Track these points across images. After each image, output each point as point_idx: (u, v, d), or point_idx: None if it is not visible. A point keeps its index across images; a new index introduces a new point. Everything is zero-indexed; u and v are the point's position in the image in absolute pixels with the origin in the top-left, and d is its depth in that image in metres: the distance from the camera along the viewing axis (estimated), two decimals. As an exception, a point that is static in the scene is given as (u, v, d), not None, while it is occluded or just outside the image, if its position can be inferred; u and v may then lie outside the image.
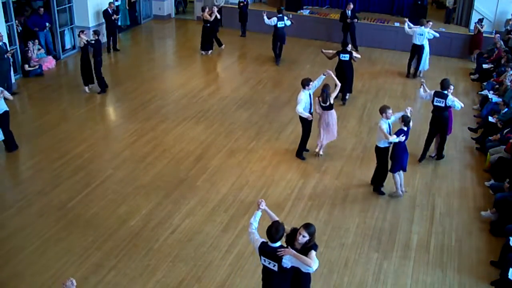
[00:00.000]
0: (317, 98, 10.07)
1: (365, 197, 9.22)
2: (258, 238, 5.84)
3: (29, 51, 14.12)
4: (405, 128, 8.81)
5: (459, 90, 14.36)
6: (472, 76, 15.23)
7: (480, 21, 16.16)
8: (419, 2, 17.55)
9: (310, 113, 9.97)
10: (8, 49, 12.78)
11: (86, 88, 13.18)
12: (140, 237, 7.96)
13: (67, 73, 15.23)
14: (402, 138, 8.73)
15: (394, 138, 8.67)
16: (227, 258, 7.59)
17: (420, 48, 14.49)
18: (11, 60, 13.16)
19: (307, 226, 5.68)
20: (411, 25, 14.72)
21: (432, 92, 10.09)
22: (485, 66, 14.60)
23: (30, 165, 9.91)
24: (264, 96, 13.38)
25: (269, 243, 5.63)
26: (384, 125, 8.70)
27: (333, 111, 10.12)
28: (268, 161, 10.25)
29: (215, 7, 16.60)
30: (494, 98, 12.24)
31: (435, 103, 10.03)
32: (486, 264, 7.68)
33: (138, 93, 13.34)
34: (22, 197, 8.89)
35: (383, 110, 8.78)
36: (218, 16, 16.45)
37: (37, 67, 14.17)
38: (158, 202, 8.84)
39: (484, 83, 13.76)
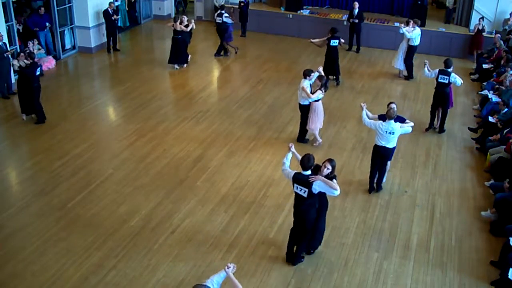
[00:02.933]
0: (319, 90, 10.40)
1: (365, 197, 9.22)
2: (291, 171, 7.11)
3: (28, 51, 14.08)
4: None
5: (459, 90, 14.35)
6: (472, 76, 15.23)
7: (481, 20, 16.18)
8: (419, 2, 17.54)
9: (309, 103, 10.49)
10: (8, 49, 12.77)
11: (24, 116, 11.55)
12: (140, 237, 7.96)
13: (67, 73, 15.24)
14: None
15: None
16: (227, 258, 7.58)
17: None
18: (11, 60, 13.14)
19: (330, 160, 7.06)
20: (407, 28, 14.42)
21: (437, 70, 11.26)
22: (485, 66, 14.59)
23: (30, 165, 9.91)
24: (264, 96, 13.38)
25: (302, 172, 6.90)
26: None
27: (320, 103, 10.53)
28: (268, 161, 10.25)
29: (185, 17, 15.13)
30: (494, 98, 12.24)
31: (439, 80, 11.23)
32: (486, 264, 7.68)
33: (138, 93, 13.34)
34: (22, 197, 8.89)
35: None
36: (194, 27, 15.27)
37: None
38: (158, 202, 8.84)
39: (484, 83, 13.77)
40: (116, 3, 16.53)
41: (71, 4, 15.78)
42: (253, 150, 10.66)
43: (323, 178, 6.82)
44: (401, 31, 14.40)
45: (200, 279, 7.13)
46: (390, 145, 8.97)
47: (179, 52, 14.98)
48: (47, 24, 15.12)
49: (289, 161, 7.33)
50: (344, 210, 8.81)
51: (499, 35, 15.62)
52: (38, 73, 11.39)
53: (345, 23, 16.91)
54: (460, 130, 11.90)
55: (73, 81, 14.39)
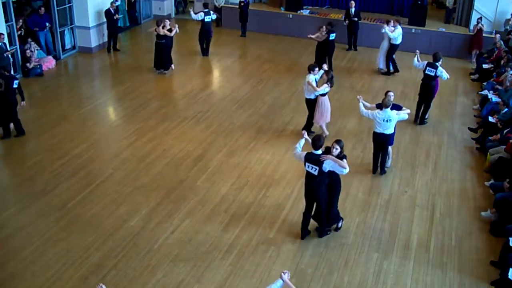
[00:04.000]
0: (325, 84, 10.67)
1: (365, 197, 9.22)
2: (302, 152, 7.65)
3: (28, 51, 14.08)
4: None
5: (459, 90, 14.37)
6: (472, 76, 15.24)
7: (479, 19, 16.20)
8: (419, 2, 17.55)
9: (316, 97, 10.76)
10: (8, 49, 12.76)
11: None
12: (140, 237, 7.96)
13: (67, 73, 15.24)
14: None
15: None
16: (227, 258, 7.59)
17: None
18: (11, 60, 13.15)
19: (338, 141, 7.58)
20: (389, 28, 14.59)
21: (425, 62, 11.58)
22: (485, 66, 14.60)
23: (30, 165, 9.91)
24: (264, 96, 13.38)
25: (313, 152, 7.45)
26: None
27: (326, 97, 10.79)
28: (268, 161, 10.25)
29: (167, 21, 14.50)
30: (494, 98, 12.24)
31: (426, 72, 11.53)
32: (486, 264, 7.68)
33: (138, 93, 13.33)
34: (22, 197, 8.89)
35: None
36: (177, 31, 14.51)
37: (37, 67, 14.17)
38: (158, 202, 8.84)
39: (484, 83, 13.77)
40: (116, 3, 16.54)
41: (71, 4, 15.77)
42: (253, 150, 10.66)
43: (333, 157, 7.34)
44: (383, 31, 14.60)
45: (200, 279, 7.15)
46: (388, 131, 9.43)
47: (164, 57, 14.41)
48: (47, 24, 15.12)
49: (301, 147, 7.87)
50: (344, 210, 8.80)
51: (499, 35, 15.62)
52: (15, 85, 10.63)
53: (344, 23, 16.91)
54: (460, 130, 11.90)
55: (73, 81, 14.38)
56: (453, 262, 7.72)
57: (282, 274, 5.51)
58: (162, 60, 14.47)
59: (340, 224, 8.23)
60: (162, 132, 11.30)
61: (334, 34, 14.33)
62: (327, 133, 11.07)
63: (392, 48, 14.78)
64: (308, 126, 11.22)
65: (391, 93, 9.73)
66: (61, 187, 9.19)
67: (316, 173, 7.43)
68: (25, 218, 8.32)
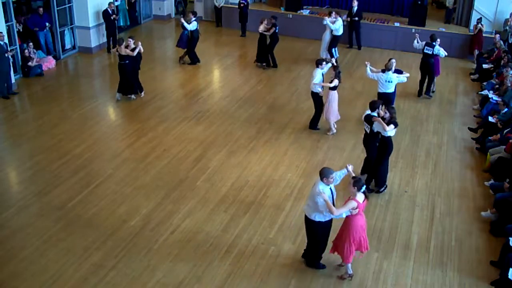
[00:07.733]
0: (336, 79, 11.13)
1: (365, 197, 9.22)
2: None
3: (28, 51, 14.06)
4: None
5: (459, 90, 14.37)
6: (472, 76, 15.24)
7: (479, 20, 16.20)
8: (419, 2, 17.53)
9: (322, 90, 11.26)
10: (9, 49, 12.76)
11: None
12: (140, 237, 7.96)
13: (67, 73, 15.24)
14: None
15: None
16: (227, 258, 7.59)
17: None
18: (11, 60, 13.15)
19: (388, 108, 8.91)
20: (330, 19, 15.29)
21: (424, 42, 13.12)
22: (485, 66, 14.60)
23: (30, 165, 9.91)
24: (264, 96, 13.38)
25: (369, 112, 8.99)
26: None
27: (336, 92, 11.17)
28: (268, 161, 10.26)
29: (131, 40, 12.63)
30: (494, 97, 12.23)
31: (425, 51, 13.08)
32: (486, 264, 7.68)
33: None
34: (22, 197, 8.88)
35: None
36: (142, 50, 12.85)
37: (37, 67, 14.16)
38: (158, 202, 8.84)
39: (484, 83, 13.77)
40: (116, 3, 16.56)
41: (71, 4, 15.77)
42: (253, 150, 10.66)
43: (380, 120, 8.73)
44: (324, 23, 15.38)
45: (200, 279, 7.15)
46: (389, 91, 11.19)
47: (130, 79, 12.72)
48: (47, 24, 15.12)
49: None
50: (344, 210, 8.79)
51: (499, 35, 15.63)
52: None
53: (344, 22, 16.90)
54: (460, 130, 11.91)
55: (73, 81, 14.38)
56: (453, 262, 7.72)
57: (348, 165, 7.13)
58: (129, 84, 12.73)
59: (382, 189, 9.34)
60: (162, 132, 11.30)
61: (278, 27, 15.00)
62: (335, 131, 11.36)
63: (334, 39, 15.42)
64: (314, 122, 11.55)
65: (393, 60, 11.14)
66: (61, 187, 9.19)
67: (368, 130, 9.04)
68: (25, 218, 8.32)
